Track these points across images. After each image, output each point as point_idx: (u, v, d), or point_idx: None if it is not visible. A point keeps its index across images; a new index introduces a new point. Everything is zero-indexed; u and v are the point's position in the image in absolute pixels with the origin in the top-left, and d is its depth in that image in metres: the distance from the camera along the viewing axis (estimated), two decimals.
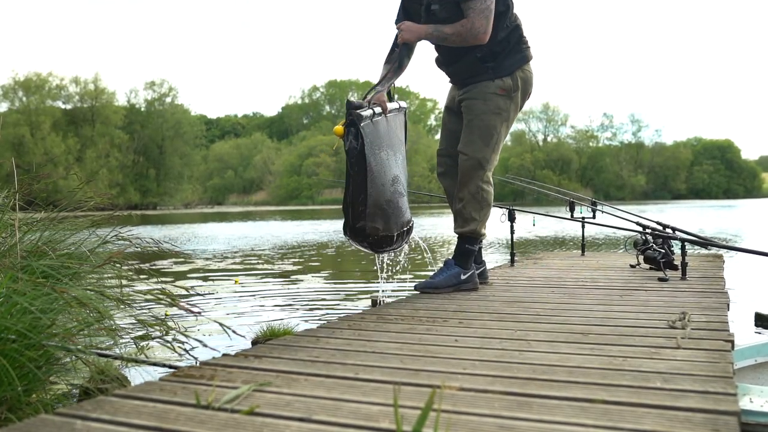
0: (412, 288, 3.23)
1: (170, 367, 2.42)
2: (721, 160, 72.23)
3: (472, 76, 3.19)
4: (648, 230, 4.16)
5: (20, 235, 2.39)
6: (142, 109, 56.97)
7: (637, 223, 4.35)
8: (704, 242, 3.79)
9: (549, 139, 71.62)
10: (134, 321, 2.43)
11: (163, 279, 5.08)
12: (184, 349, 2.31)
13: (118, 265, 2.56)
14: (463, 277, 3.20)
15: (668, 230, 4.27)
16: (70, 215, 2.85)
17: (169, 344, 2.30)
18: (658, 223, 4.43)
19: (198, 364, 1.80)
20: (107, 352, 2.34)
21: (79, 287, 2.23)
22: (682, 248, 3.67)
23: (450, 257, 3.28)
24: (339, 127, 2.88)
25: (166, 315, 2.52)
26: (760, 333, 3.81)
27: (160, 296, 2.37)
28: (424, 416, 1.17)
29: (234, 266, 8.18)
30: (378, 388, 1.51)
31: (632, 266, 4.23)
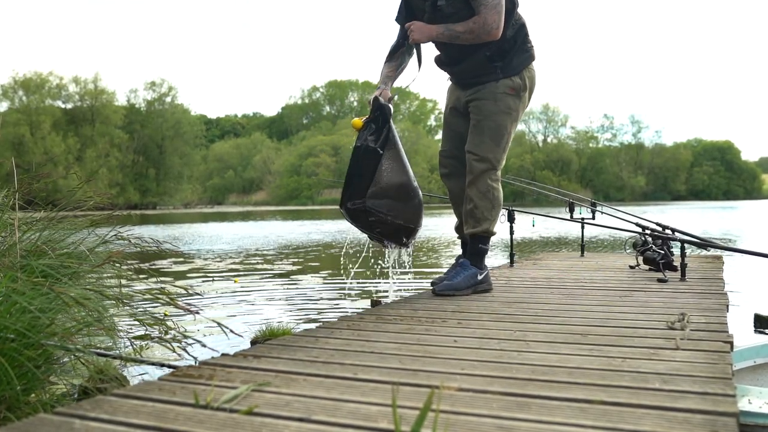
0: (415, 288, 3.21)
1: (169, 366, 2.42)
2: (721, 161, 72.31)
3: (479, 75, 3.13)
4: (647, 231, 4.16)
5: (20, 235, 2.39)
6: (142, 108, 57.05)
7: (637, 224, 4.35)
8: (704, 243, 3.79)
9: (549, 139, 71.77)
10: (133, 321, 2.43)
11: (163, 279, 5.08)
12: (183, 349, 2.31)
13: (117, 264, 2.56)
14: (479, 277, 3.16)
15: (668, 231, 4.27)
16: (69, 215, 2.85)
17: (168, 344, 2.30)
18: (658, 224, 4.43)
19: (197, 364, 1.80)
20: (106, 351, 2.34)
21: (79, 287, 2.22)
22: (682, 249, 3.67)
23: (464, 258, 3.22)
24: (357, 120, 2.90)
25: (165, 315, 2.52)
26: (759, 334, 3.81)
27: (159, 296, 2.37)
28: (422, 416, 1.17)
29: (233, 266, 8.18)
30: (377, 388, 1.51)
31: (632, 267, 4.23)
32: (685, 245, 3.69)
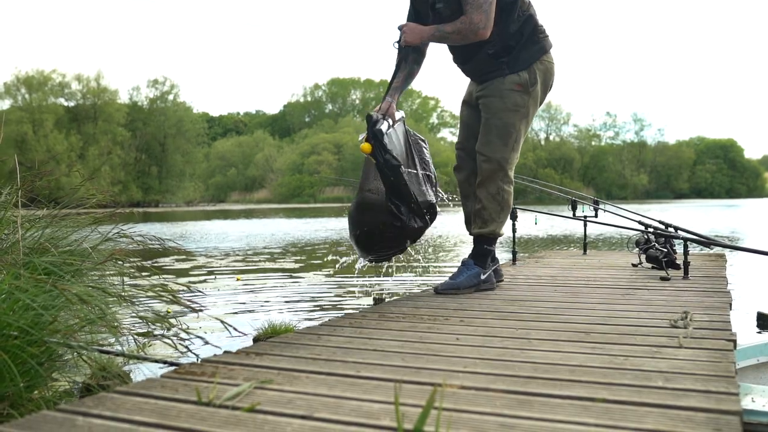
0: (421, 283, 3.21)
1: (172, 364, 2.42)
2: (723, 159, 72.17)
3: (488, 72, 3.11)
4: (650, 229, 4.15)
5: (22, 232, 2.39)
6: (145, 106, 57.01)
7: (640, 222, 4.34)
8: (706, 241, 3.78)
9: (551, 137, 71.68)
10: (136, 318, 2.43)
11: (165, 276, 5.09)
12: (186, 347, 2.31)
13: (120, 262, 2.56)
14: (482, 277, 3.15)
15: (670, 229, 4.26)
16: (72, 212, 2.85)
17: (170, 341, 2.31)
18: (661, 222, 4.42)
19: (199, 362, 1.80)
20: (109, 348, 2.34)
21: (81, 284, 2.23)
22: (685, 247, 3.67)
23: (468, 257, 3.20)
24: (366, 145, 2.86)
25: (167, 312, 2.53)
26: (762, 333, 3.81)
27: (162, 293, 2.37)
28: (425, 414, 1.17)
29: (236, 264, 8.19)
30: (379, 385, 1.51)
31: (634, 265, 4.22)
32: (688, 243, 3.68)
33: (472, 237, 3.24)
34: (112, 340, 2.31)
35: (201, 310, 2.44)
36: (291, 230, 16.50)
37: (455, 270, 3.22)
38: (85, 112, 52.40)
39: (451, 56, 3.29)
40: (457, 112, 3.50)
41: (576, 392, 1.42)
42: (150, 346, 2.60)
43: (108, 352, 2.31)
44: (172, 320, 2.44)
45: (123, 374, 2.26)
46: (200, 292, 4.96)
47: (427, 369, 1.66)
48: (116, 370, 2.23)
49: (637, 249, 4.26)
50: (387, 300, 3.13)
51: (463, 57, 3.17)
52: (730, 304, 2.73)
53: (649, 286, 3.32)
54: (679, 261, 3.72)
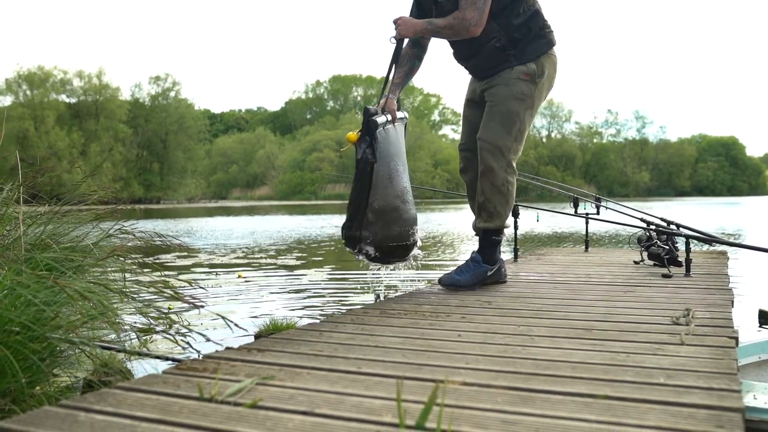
0: (422, 279, 3.20)
1: (173, 360, 2.42)
2: (725, 157, 72.14)
3: (494, 66, 3.04)
4: (652, 226, 4.15)
5: (24, 228, 2.39)
6: (146, 103, 57.01)
7: (641, 220, 4.34)
8: (708, 239, 3.78)
9: (553, 135, 71.68)
10: (137, 314, 2.43)
11: (167, 273, 5.09)
12: (187, 343, 2.31)
13: (121, 258, 2.56)
14: (489, 273, 3.14)
15: (672, 227, 4.26)
16: (73, 209, 2.85)
17: (172, 337, 2.31)
18: (662, 220, 4.42)
19: (201, 358, 1.80)
20: (110, 345, 2.34)
21: (83, 280, 2.23)
22: (686, 245, 3.66)
23: (476, 252, 3.16)
24: (352, 134, 2.83)
25: (169, 308, 2.53)
26: (763, 330, 3.81)
27: (164, 289, 2.37)
28: (427, 410, 1.17)
29: (237, 260, 8.19)
30: (381, 382, 1.51)
31: (636, 262, 4.22)
32: (690, 240, 3.68)
33: (477, 232, 3.19)
34: (114, 336, 2.31)
35: (202, 307, 2.44)
36: (296, 227, 16.51)
37: (461, 263, 3.20)
38: (86, 109, 52.42)
39: (452, 53, 3.24)
40: (459, 109, 3.47)
41: (578, 389, 1.42)
42: (151, 342, 2.60)
43: (110, 348, 2.31)
44: (174, 316, 2.44)
45: (125, 370, 2.27)
46: (202, 288, 4.97)
47: (428, 365, 1.66)
48: (118, 366, 2.23)
49: (639, 246, 4.25)
50: (388, 296, 3.13)
51: (468, 52, 3.10)
52: (732, 302, 2.73)
53: (651, 283, 3.32)
54: (681, 258, 3.72)
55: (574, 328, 2.13)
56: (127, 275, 2.54)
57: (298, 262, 7.91)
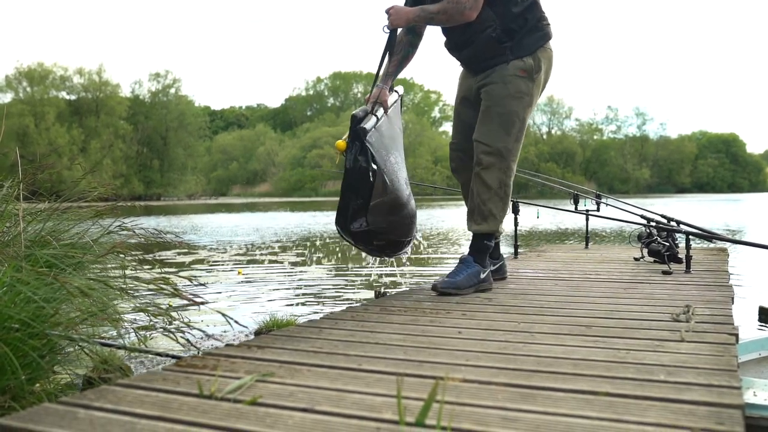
0: (425, 274, 3.18)
1: (173, 357, 2.43)
2: (725, 153, 72.18)
3: (489, 58, 2.92)
4: (652, 223, 4.15)
5: (24, 225, 2.39)
6: (146, 100, 57.06)
7: (642, 216, 4.33)
8: (709, 235, 3.78)
9: (553, 131, 71.73)
10: (137, 311, 2.43)
11: (167, 269, 5.08)
12: (187, 339, 2.31)
13: (121, 255, 2.56)
14: (482, 276, 2.97)
15: (672, 223, 4.26)
16: (73, 205, 2.85)
17: (171, 334, 2.30)
18: (663, 216, 4.42)
19: (201, 354, 1.80)
20: (110, 341, 2.34)
21: (83, 277, 2.23)
22: (687, 241, 3.66)
23: (467, 254, 3.01)
24: (341, 142, 2.76)
25: (169, 305, 2.52)
26: (764, 327, 3.81)
27: (164, 286, 2.37)
28: (427, 407, 1.17)
29: (237, 257, 8.19)
30: (381, 379, 1.51)
31: (636, 259, 4.22)
32: (690, 237, 3.68)
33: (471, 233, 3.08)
34: (114, 333, 2.31)
35: (202, 303, 2.44)
36: (300, 223, 16.52)
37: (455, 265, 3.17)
38: (86, 106, 52.45)
39: (444, 42, 3.10)
40: None
41: (579, 386, 1.42)
42: (151, 339, 2.60)
43: (109, 345, 2.31)
44: (174, 313, 2.44)
45: (124, 367, 2.27)
46: (202, 285, 4.97)
47: (429, 362, 1.66)
48: (118, 362, 2.24)
49: (640, 243, 4.25)
50: (389, 293, 3.12)
51: (462, 41, 2.96)
52: (732, 298, 2.73)
53: (651, 280, 3.32)
54: (681, 255, 3.71)
55: (575, 325, 2.13)
56: (127, 272, 2.54)
57: (299, 259, 7.91)
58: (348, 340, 1.95)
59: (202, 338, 2.40)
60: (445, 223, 15.70)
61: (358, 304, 2.71)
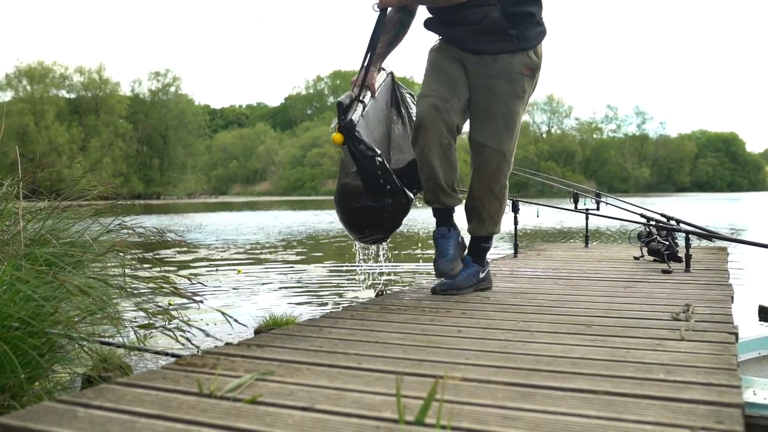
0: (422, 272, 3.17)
1: (173, 355, 2.42)
2: (725, 153, 72.18)
3: (490, 41, 2.71)
4: (652, 222, 4.15)
5: (24, 224, 2.38)
6: (146, 98, 57.02)
7: (641, 215, 4.34)
8: (708, 234, 3.77)
9: (553, 130, 71.69)
10: (137, 309, 2.43)
11: (167, 268, 5.08)
12: (187, 338, 2.31)
13: (121, 253, 2.56)
14: (481, 275, 2.95)
15: (672, 222, 4.26)
16: (73, 204, 2.85)
17: (171, 333, 2.30)
18: (663, 215, 4.41)
19: (200, 353, 1.80)
20: (110, 340, 2.34)
21: (83, 275, 2.23)
22: (686, 240, 3.66)
23: (466, 254, 2.96)
24: (337, 135, 2.66)
25: (168, 304, 2.52)
26: (763, 326, 3.80)
27: (163, 285, 2.37)
28: (426, 406, 1.17)
29: (237, 256, 8.19)
30: (381, 377, 1.51)
31: (636, 258, 4.22)
32: (690, 236, 3.68)
33: (468, 233, 3.03)
34: (113, 331, 2.31)
35: (202, 302, 2.43)
36: (303, 221, 16.51)
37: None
38: (86, 104, 52.43)
39: (426, 19, 2.90)
40: None
41: (578, 385, 1.42)
42: (151, 337, 2.60)
43: (109, 344, 2.31)
44: (174, 312, 2.44)
45: (124, 366, 2.27)
46: (201, 283, 4.97)
47: (428, 361, 1.66)
48: (117, 361, 2.23)
49: (639, 242, 4.25)
50: (389, 292, 3.12)
51: (454, 19, 2.74)
52: (732, 297, 2.73)
53: (651, 278, 3.32)
54: (681, 254, 3.71)
55: (575, 324, 2.13)
56: (127, 271, 2.54)
57: (298, 258, 7.91)
58: (348, 338, 1.95)
59: (201, 337, 2.39)
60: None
61: (357, 303, 2.71)
